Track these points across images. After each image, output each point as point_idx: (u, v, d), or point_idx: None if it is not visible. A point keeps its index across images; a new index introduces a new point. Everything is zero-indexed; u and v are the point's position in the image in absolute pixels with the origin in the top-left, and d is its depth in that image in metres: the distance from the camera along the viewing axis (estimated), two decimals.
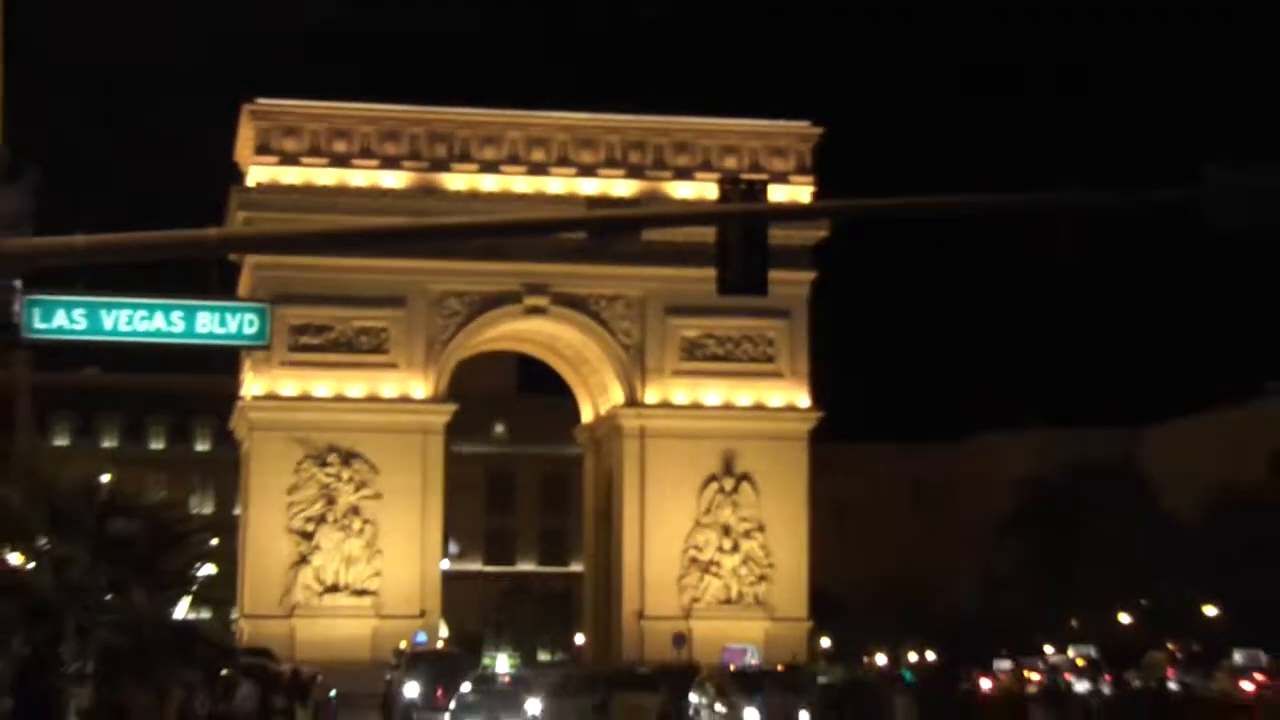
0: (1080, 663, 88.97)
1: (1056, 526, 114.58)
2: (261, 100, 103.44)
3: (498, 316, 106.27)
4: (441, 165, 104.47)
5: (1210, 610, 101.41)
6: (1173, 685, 78.13)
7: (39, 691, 28.50)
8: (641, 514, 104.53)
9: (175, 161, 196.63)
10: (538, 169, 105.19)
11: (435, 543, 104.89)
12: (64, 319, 25.67)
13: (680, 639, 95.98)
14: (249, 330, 26.77)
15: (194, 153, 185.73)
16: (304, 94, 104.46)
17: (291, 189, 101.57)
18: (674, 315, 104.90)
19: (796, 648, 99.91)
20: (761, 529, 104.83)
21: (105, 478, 41.45)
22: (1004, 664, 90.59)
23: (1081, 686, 77.57)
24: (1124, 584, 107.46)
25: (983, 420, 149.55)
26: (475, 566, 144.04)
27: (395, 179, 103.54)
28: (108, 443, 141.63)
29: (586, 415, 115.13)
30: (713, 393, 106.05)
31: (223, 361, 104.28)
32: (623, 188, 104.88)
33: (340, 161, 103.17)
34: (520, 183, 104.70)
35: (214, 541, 59.89)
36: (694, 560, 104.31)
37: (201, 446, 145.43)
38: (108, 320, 25.79)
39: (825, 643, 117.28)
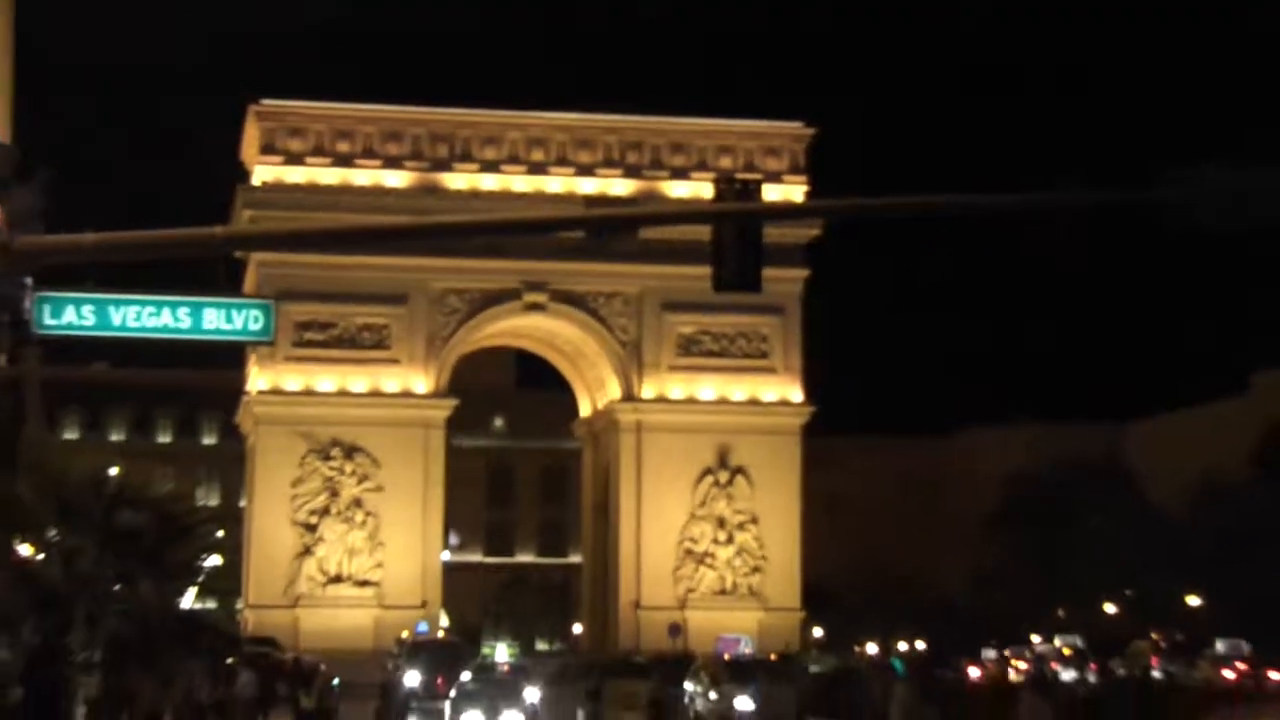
0: (1067, 652, 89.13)
1: (1044, 520, 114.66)
2: (266, 101, 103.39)
3: (497, 313, 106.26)
4: (443, 165, 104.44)
5: (1193, 601, 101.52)
6: (1156, 674, 78.32)
7: (48, 680, 28.47)
8: (638, 506, 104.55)
9: (180, 159, 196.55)
10: (537, 168, 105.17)
11: (436, 535, 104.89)
12: (73, 315, 25.68)
13: (676, 629, 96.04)
14: (254, 326, 26.77)
15: (198, 150, 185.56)
16: (307, 93, 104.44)
17: (296, 188, 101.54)
18: (670, 312, 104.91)
19: (789, 637, 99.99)
20: (755, 521, 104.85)
21: (113, 470, 41.50)
22: (990, 654, 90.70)
23: (1068, 675, 77.69)
24: (1109, 575, 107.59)
25: (972, 415, 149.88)
26: (475, 558, 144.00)
27: (397, 178, 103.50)
28: (116, 436, 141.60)
29: (584, 410, 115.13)
30: (708, 388, 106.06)
31: (228, 357, 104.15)
32: (620, 187, 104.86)
33: (343, 161, 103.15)
34: (520, 182, 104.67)
35: (220, 533, 60.00)
36: (689, 552, 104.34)
37: (208, 440, 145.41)
38: (116, 316, 25.79)
39: (817, 633, 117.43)
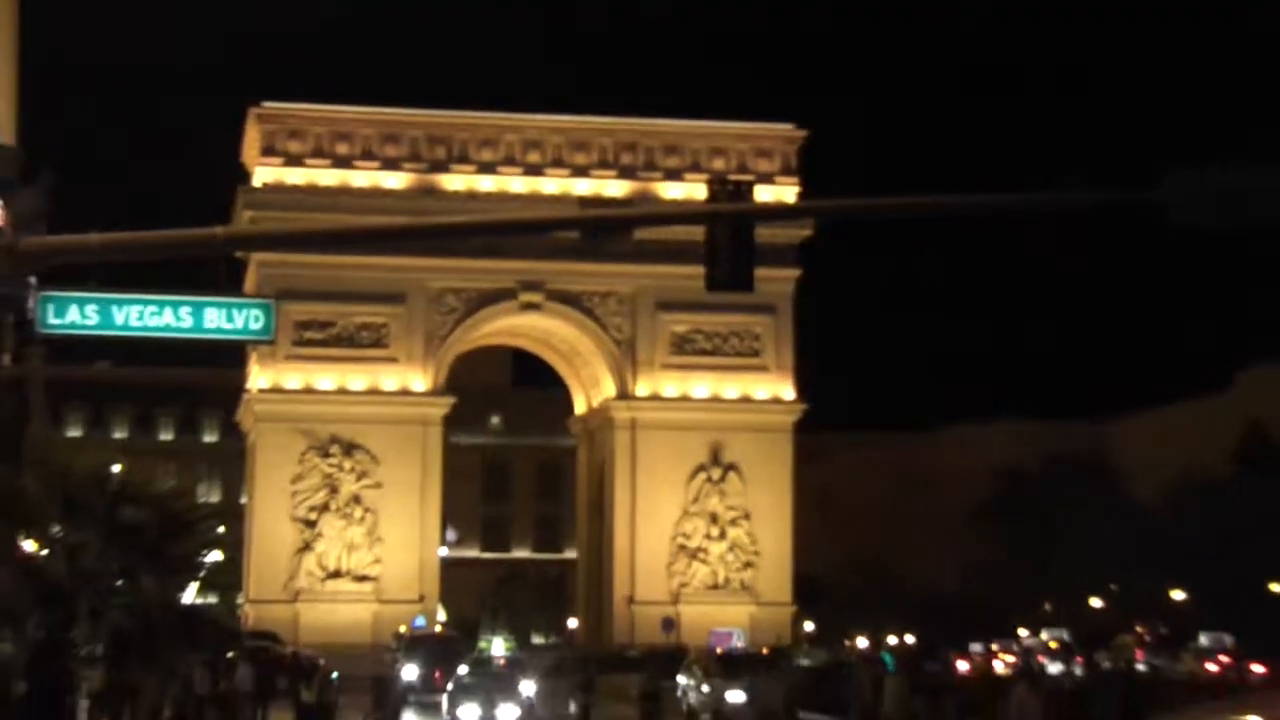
0: (1053, 645, 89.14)
1: (1031, 515, 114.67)
2: (267, 104, 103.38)
3: (494, 312, 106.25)
4: (440, 166, 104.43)
5: (1177, 595, 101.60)
6: (1141, 667, 78.32)
7: (52, 674, 28.45)
8: (632, 502, 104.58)
9: (181, 158, 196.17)
10: (533, 170, 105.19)
11: (434, 530, 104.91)
12: (77, 314, 25.66)
13: (669, 623, 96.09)
14: (254, 325, 26.74)
15: (199, 149, 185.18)
16: (308, 93, 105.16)
17: (296, 189, 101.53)
18: (664, 311, 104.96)
19: (781, 631, 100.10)
20: (747, 517, 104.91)
21: (116, 467, 41.43)
22: (977, 647, 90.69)
23: (1054, 668, 77.73)
24: (1095, 570, 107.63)
25: (960, 412, 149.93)
26: (472, 553, 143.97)
27: (396, 180, 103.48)
28: (119, 434, 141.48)
29: (579, 407, 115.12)
30: (701, 385, 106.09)
31: (229, 356, 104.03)
32: (615, 188, 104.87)
33: (342, 163, 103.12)
34: (516, 183, 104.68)
35: (220, 529, 59.84)
36: (682, 547, 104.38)
37: (209, 437, 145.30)
38: (119, 316, 25.77)
39: (809, 627, 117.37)
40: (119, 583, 29.70)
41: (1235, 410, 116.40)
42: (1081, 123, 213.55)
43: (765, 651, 77.00)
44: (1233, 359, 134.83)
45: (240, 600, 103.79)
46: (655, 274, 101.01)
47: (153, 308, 25.81)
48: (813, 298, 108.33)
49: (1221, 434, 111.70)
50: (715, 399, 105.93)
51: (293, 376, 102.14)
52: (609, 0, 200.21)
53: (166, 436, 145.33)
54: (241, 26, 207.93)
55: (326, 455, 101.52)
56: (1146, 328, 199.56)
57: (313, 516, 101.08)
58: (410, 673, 69.50)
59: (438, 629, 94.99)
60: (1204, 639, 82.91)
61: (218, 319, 26.37)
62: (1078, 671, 77.01)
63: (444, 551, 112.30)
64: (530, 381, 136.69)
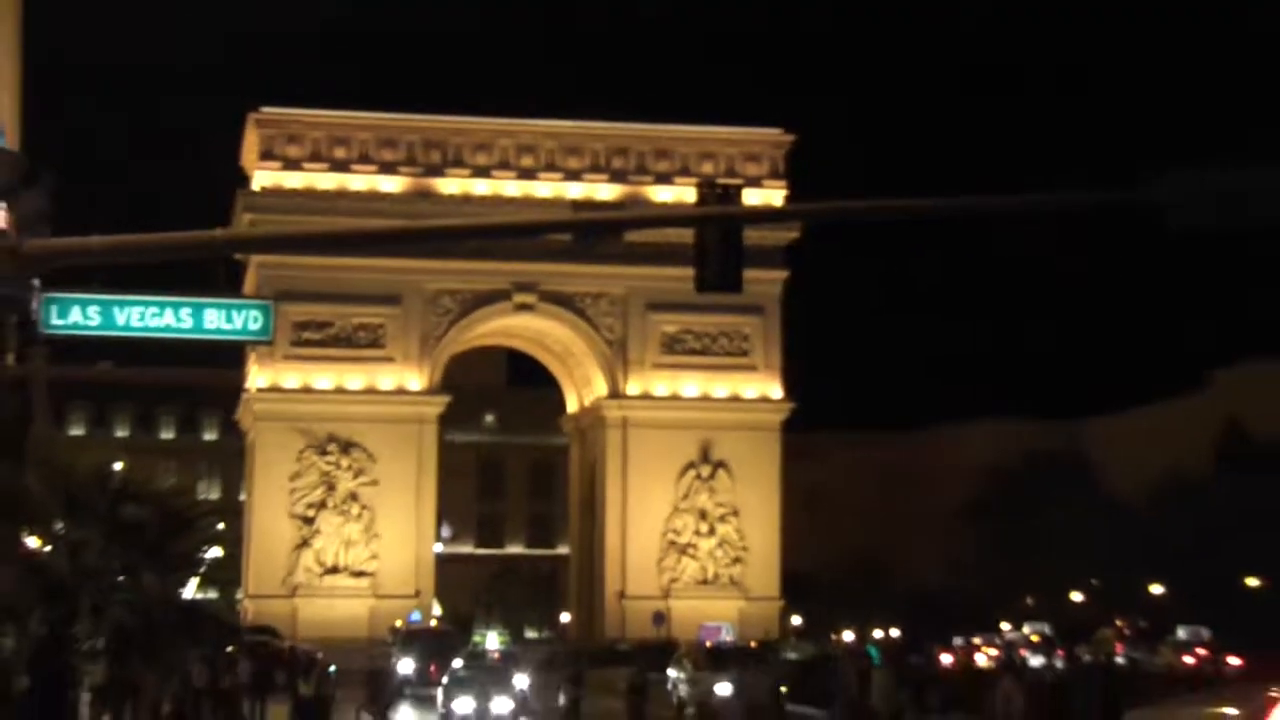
0: (1035, 639, 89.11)
1: (1013, 512, 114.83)
2: (266, 109, 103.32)
3: (489, 313, 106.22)
4: (436, 170, 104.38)
5: (1156, 589, 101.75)
6: (1121, 659, 78.43)
7: (55, 669, 28.41)
8: (623, 499, 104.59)
9: (181, 157, 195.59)
10: (526, 174, 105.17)
11: (429, 527, 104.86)
12: (79, 315, 25.63)
13: (660, 617, 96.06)
14: (253, 326, 26.71)
15: (199, 148, 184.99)
16: (307, 92, 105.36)
17: (294, 193, 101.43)
18: (654, 312, 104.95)
19: (769, 625, 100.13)
20: (736, 514, 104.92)
21: (118, 466, 41.32)
22: (959, 640, 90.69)
23: (1036, 661, 77.77)
24: (1076, 565, 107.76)
25: (945, 412, 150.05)
26: (467, 549, 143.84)
27: (392, 183, 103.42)
28: (120, 432, 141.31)
29: (572, 406, 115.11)
30: (691, 385, 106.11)
31: (229, 356, 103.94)
32: (606, 191, 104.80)
33: (340, 167, 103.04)
34: (510, 187, 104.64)
35: (220, 526, 59.75)
36: (673, 543, 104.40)
37: (209, 436, 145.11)
38: (120, 317, 25.74)
39: (796, 621, 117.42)
40: (121, 579, 29.65)
41: (1213, 408, 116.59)
42: (1072, 124, 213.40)
43: (753, 645, 77.04)
44: (1211, 358, 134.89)
45: (239, 596, 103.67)
46: (646, 275, 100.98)
47: (153, 309, 25.78)
48: (800, 299, 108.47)
49: (1200, 432, 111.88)
50: (705, 398, 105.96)
51: (291, 376, 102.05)
52: (607, 2, 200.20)
53: (167, 435, 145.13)
54: (241, 27, 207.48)
55: (324, 453, 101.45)
56: (1127, 328, 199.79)
57: (311, 513, 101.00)
58: (406, 666, 69.48)
59: (433, 624, 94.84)
60: (1182, 632, 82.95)
61: (217, 320, 26.35)
62: (1059, 664, 77.03)
63: (439, 547, 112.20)
64: (524, 381, 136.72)
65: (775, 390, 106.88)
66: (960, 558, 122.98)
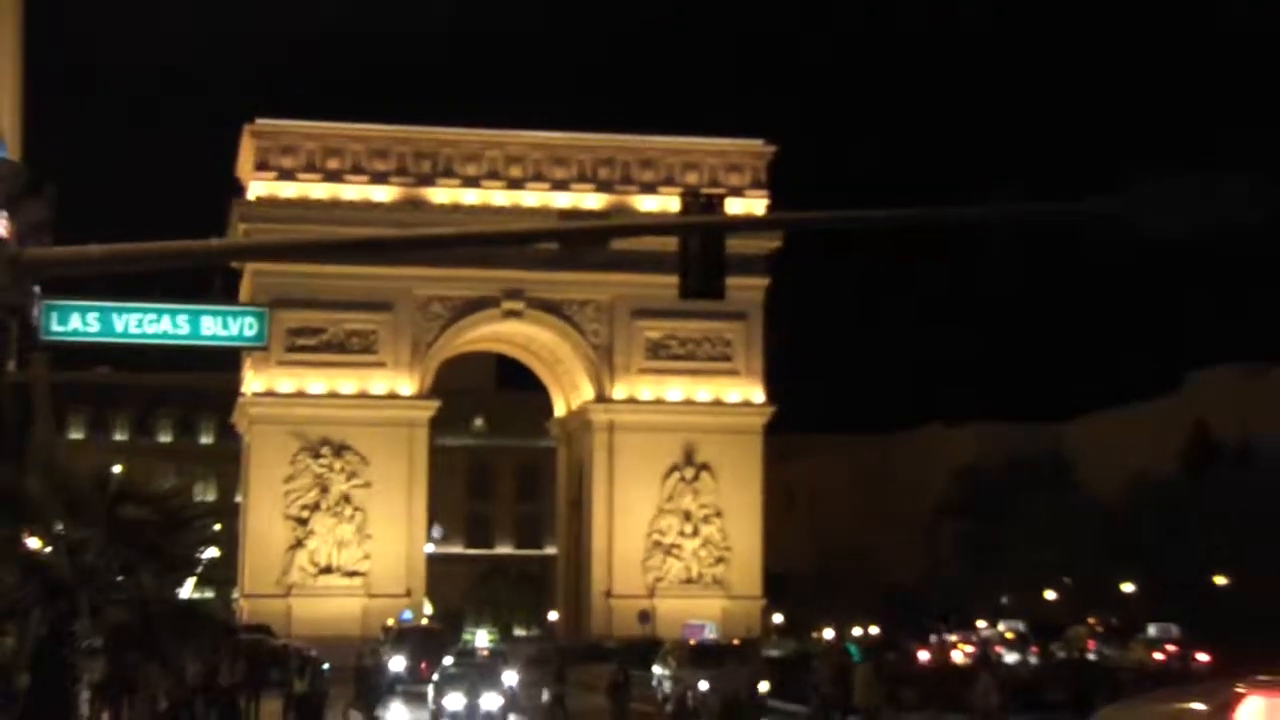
0: (1009, 636, 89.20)
1: (989, 512, 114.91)
2: (261, 121, 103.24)
3: (478, 319, 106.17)
4: (426, 180, 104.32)
5: (1127, 588, 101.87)
6: (1093, 656, 78.60)
7: (55, 666, 28.38)
8: (610, 501, 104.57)
9: (180, 157, 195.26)
10: (515, 184, 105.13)
11: (420, 527, 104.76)
12: (79, 322, 25.59)
13: (645, 616, 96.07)
14: (249, 332, 26.68)
15: (198, 149, 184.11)
16: (305, 92, 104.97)
17: (288, 202, 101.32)
18: (640, 318, 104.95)
19: (751, 624, 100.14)
20: (719, 515, 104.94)
21: (117, 468, 41.26)
22: (936, 638, 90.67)
23: (1010, 658, 77.89)
24: (1050, 564, 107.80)
25: (923, 414, 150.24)
26: (457, 549, 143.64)
27: (384, 193, 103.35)
28: (119, 436, 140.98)
29: (559, 410, 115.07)
30: (675, 389, 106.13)
31: (225, 361, 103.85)
32: (593, 201, 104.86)
33: (333, 177, 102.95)
34: (499, 196, 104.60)
35: (217, 527, 59.58)
36: (657, 543, 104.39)
37: (205, 439, 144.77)
38: (119, 323, 25.70)
39: (778, 619, 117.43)
40: (119, 578, 29.57)
41: (1183, 412, 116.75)
42: (1051, 132, 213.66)
43: (736, 643, 76.91)
44: (1177, 364, 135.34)
45: (235, 595, 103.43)
46: (631, 283, 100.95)
47: (151, 315, 25.75)
48: (782, 305, 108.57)
49: (1170, 435, 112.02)
50: (688, 402, 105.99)
51: (285, 381, 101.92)
52: (593, 13, 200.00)
53: (165, 438, 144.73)
54: (241, 28, 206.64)
55: (318, 456, 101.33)
56: (1097, 334, 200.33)
57: (304, 515, 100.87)
58: (398, 664, 69.44)
59: (424, 622, 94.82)
60: (1152, 629, 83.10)
61: (214, 326, 26.32)
62: (1033, 660, 77.25)
63: (430, 548, 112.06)
64: (512, 385, 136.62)
65: (757, 394, 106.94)
66: (938, 557, 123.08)
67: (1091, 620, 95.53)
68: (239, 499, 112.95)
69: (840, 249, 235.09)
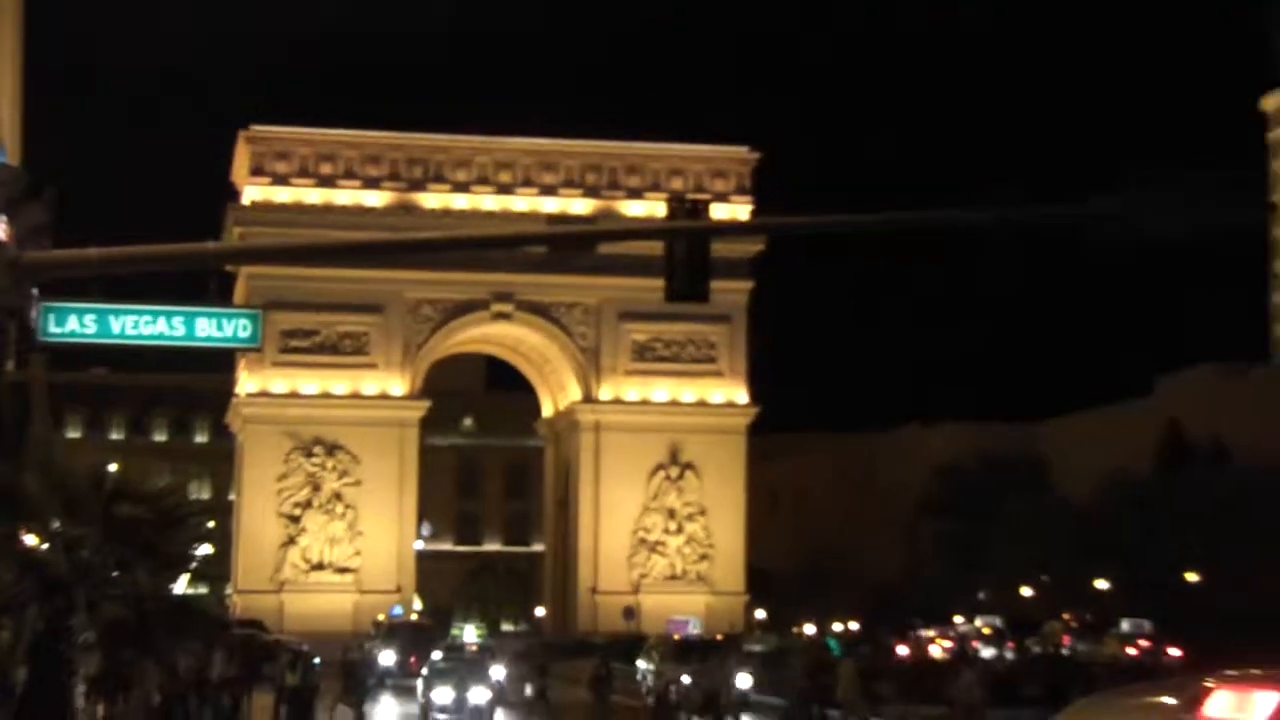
0: (986, 631, 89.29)
1: (968, 510, 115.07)
2: (256, 127, 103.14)
3: (468, 322, 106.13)
4: (418, 186, 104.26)
5: (1101, 584, 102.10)
6: (1067, 651, 78.74)
7: (51, 660, 28.34)
8: (596, 499, 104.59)
9: (179, 157, 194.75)
10: (504, 189, 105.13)
11: (410, 525, 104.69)
12: (76, 324, 25.53)
13: (630, 612, 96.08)
14: (243, 334, 26.65)
15: (196, 150, 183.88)
16: (303, 97, 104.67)
17: (282, 207, 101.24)
18: (626, 321, 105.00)
19: (734, 619, 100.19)
20: (703, 513, 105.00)
21: (113, 466, 41.19)
22: (915, 632, 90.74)
23: (987, 653, 77.96)
24: (1026, 561, 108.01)
25: (903, 414, 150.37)
26: (446, 547, 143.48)
27: (376, 198, 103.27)
28: (115, 435, 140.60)
29: (547, 410, 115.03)
30: (661, 390, 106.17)
31: (219, 362, 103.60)
32: (580, 206, 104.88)
33: (327, 182, 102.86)
34: (489, 201, 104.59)
35: (211, 524, 59.60)
36: (643, 541, 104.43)
37: (200, 438, 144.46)
38: (116, 325, 25.65)
39: (760, 614, 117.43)
40: (115, 575, 29.49)
41: (1156, 413, 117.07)
42: (1044, 132, 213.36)
43: (719, 638, 76.93)
44: (1150, 366, 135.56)
45: (229, 591, 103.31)
46: (618, 286, 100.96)
47: (147, 317, 25.70)
48: (766, 308, 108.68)
49: (1143, 435, 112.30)
50: (674, 403, 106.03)
51: (279, 382, 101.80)
52: (581, 21, 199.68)
53: (160, 437, 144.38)
54: (241, 28, 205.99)
55: (310, 455, 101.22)
56: (1073, 336, 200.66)
57: (297, 512, 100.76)
58: (388, 658, 69.31)
59: (414, 617, 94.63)
60: (1125, 625, 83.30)
61: (208, 328, 26.27)
62: (1009, 655, 77.34)
63: (420, 545, 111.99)
64: (501, 386, 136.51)
65: (741, 395, 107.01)
66: (917, 554, 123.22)
67: (1067, 616, 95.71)
68: (233, 497, 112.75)
69: (825, 252, 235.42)
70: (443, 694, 50.32)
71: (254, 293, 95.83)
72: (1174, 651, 73.34)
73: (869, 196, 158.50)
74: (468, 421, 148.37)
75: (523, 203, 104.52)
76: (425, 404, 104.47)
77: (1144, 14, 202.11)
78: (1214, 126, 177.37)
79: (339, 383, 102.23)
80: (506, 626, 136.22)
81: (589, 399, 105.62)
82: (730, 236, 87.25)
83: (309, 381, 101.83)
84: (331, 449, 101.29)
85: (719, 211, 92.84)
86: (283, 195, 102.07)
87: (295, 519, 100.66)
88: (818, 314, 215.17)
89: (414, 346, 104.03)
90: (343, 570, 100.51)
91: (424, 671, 54.03)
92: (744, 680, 54.83)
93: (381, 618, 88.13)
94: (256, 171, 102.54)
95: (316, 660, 49.88)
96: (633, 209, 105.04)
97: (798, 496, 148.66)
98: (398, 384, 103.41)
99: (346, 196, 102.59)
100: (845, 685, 44.82)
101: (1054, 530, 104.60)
